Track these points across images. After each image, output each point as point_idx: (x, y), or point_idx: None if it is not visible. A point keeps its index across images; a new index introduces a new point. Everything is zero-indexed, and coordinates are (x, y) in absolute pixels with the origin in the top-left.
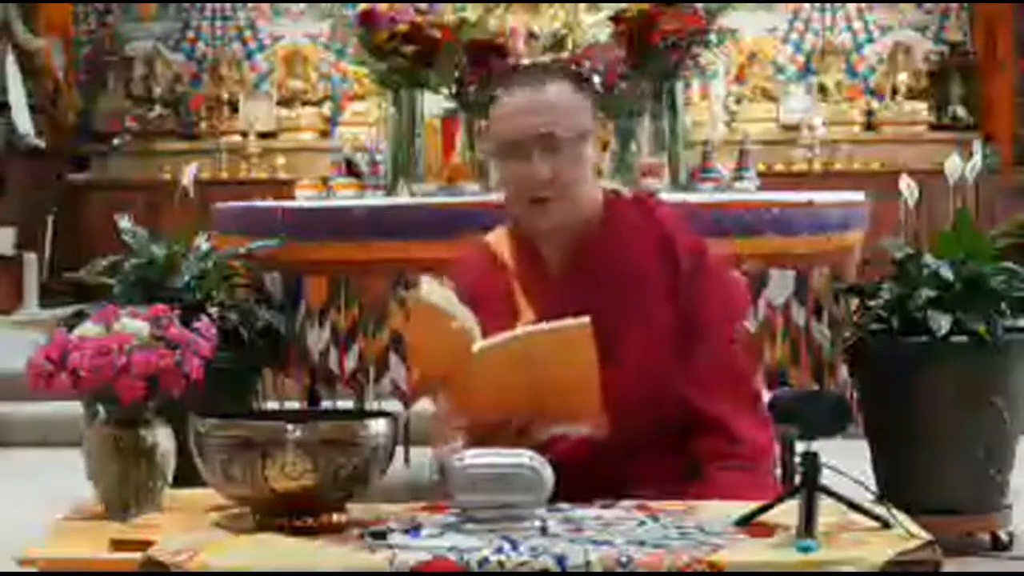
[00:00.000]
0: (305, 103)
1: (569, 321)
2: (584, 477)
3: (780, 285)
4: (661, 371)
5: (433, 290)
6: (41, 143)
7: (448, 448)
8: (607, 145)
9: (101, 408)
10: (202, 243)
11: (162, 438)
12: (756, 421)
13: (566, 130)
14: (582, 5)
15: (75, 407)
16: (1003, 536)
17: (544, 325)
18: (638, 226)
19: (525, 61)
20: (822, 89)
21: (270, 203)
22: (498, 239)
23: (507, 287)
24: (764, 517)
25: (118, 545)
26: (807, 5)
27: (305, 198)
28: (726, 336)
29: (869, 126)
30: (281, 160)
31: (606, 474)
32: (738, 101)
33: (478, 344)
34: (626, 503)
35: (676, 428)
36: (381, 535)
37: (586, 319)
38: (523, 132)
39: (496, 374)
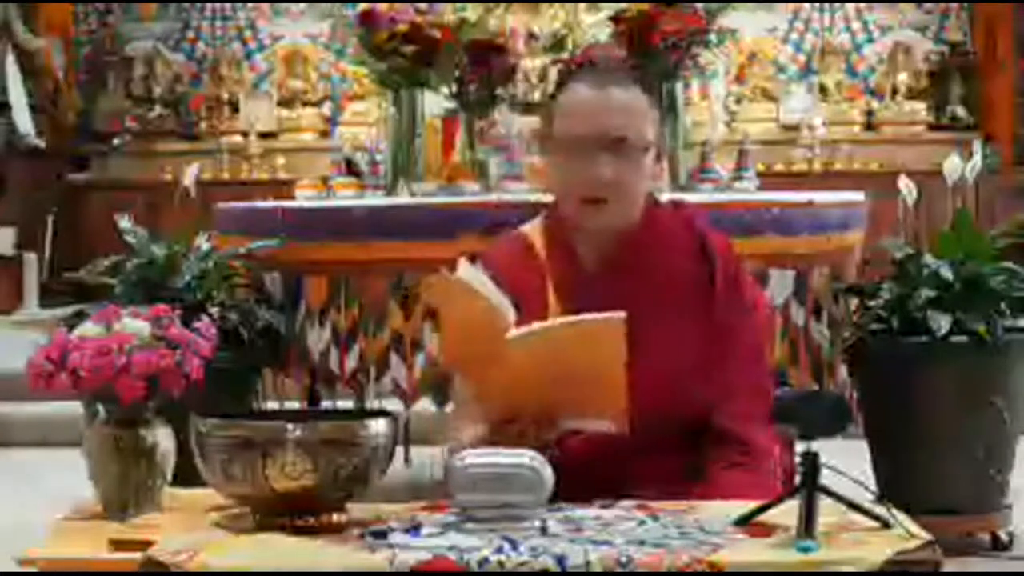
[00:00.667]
0: (305, 103)
1: (602, 315)
2: (588, 476)
3: (780, 285)
4: (688, 374)
5: (469, 271)
6: (41, 143)
7: (462, 439)
8: (661, 157)
9: (101, 408)
10: (202, 243)
11: (162, 438)
12: (762, 423)
13: (635, 136)
14: (582, 5)
15: (75, 407)
16: (1003, 536)
17: (577, 317)
18: (675, 230)
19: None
20: (822, 89)
21: (270, 203)
22: (533, 232)
23: (540, 281)
24: (764, 517)
25: (118, 545)
26: (807, 5)
27: (305, 198)
28: (750, 340)
29: (869, 126)
30: (281, 160)
31: (610, 473)
32: (738, 101)
33: (512, 332)
34: (626, 503)
35: (684, 428)
36: (381, 535)
37: (620, 314)
38: (593, 131)
39: (526, 363)
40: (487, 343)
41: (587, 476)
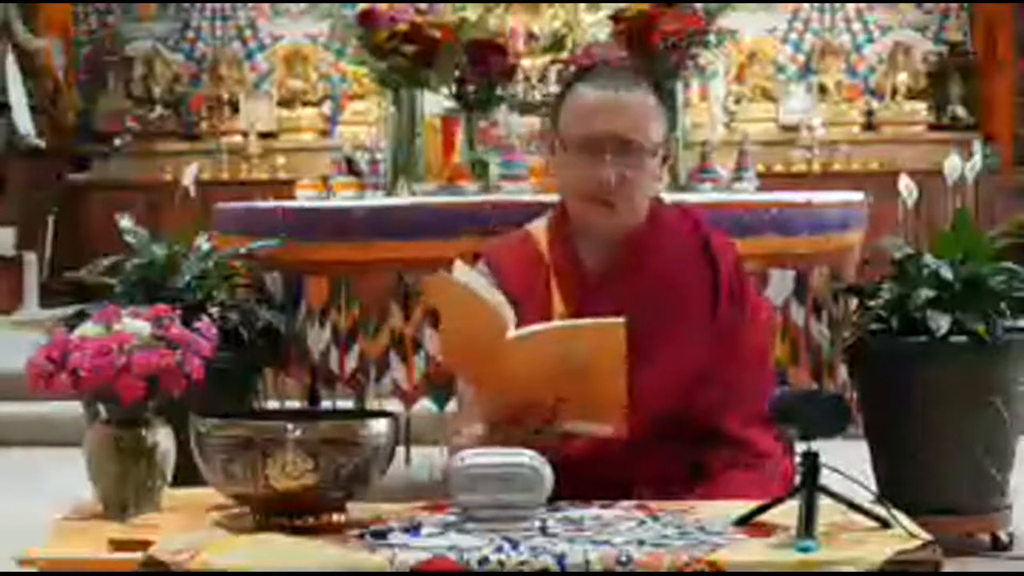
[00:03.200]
0: (305, 103)
1: (602, 319)
2: (593, 475)
3: (780, 285)
4: (692, 377)
5: (466, 272)
6: (41, 143)
7: (462, 439)
8: (667, 159)
9: (101, 408)
10: (203, 243)
11: (162, 438)
12: (763, 423)
13: (644, 138)
14: (582, 5)
15: (75, 407)
16: (1003, 536)
17: (578, 321)
18: (680, 233)
19: (600, 59)
20: (822, 89)
21: (271, 203)
22: (538, 232)
23: (544, 281)
24: (764, 517)
25: (118, 545)
26: (807, 5)
27: (305, 198)
28: (754, 344)
29: (869, 126)
30: (281, 160)
31: (614, 473)
32: (737, 101)
33: (511, 332)
34: (626, 503)
35: (686, 430)
36: (381, 535)
37: (621, 319)
38: (602, 132)
39: (525, 364)
40: (486, 343)
41: (594, 474)
